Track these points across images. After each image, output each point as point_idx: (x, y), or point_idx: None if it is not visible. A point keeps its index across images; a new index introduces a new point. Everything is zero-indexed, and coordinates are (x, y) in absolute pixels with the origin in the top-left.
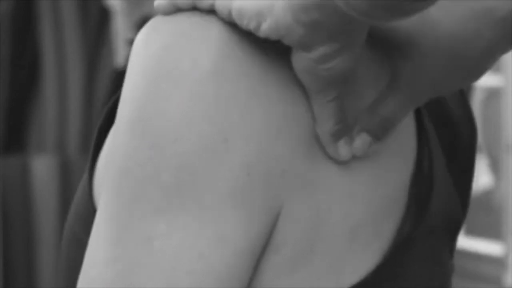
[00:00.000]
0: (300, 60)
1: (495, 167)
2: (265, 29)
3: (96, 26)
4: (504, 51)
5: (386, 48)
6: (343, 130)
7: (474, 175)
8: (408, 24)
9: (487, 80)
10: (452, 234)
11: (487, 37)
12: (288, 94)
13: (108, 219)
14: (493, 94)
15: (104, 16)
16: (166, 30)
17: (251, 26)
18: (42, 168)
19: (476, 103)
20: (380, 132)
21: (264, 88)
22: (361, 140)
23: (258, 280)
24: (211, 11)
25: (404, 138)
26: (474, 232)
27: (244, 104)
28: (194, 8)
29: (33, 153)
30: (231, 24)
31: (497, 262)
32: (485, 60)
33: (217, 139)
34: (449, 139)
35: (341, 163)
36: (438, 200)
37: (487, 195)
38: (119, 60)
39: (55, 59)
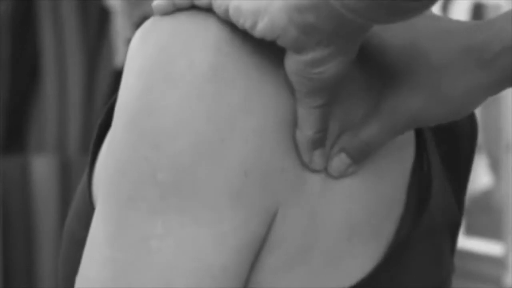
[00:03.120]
0: (292, 62)
1: (495, 167)
2: (260, 28)
3: (96, 26)
4: (491, 92)
5: (374, 73)
6: (322, 141)
7: (470, 176)
8: (397, 52)
9: None
10: (451, 234)
11: (474, 76)
12: (283, 94)
13: (105, 219)
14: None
15: (104, 16)
16: (163, 30)
17: (247, 25)
18: (42, 168)
19: None
20: (358, 156)
21: (261, 87)
22: (339, 161)
23: (255, 279)
24: (209, 9)
25: (403, 139)
26: (474, 232)
27: (241, 104)
28: (192, 7)
29: (33, 153)
30: (229, 24)
31: (497, 262)
32: (470, 99)
33: (214, 139)
34: (449, 140)
35: (313, 171)
36: (436, 200)
37: (487, 195)
38: (119, 60)
39: (55, 59)
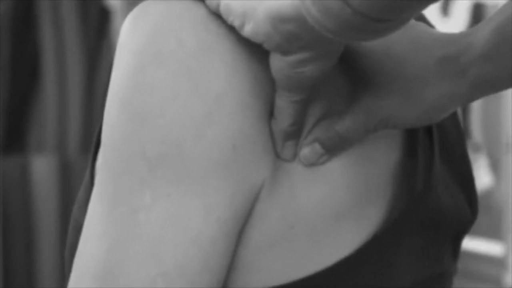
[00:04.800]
0: (276, 60)
1: (495, 167)
2: (247, 31)
3: (96, 26)
4: (464, 100)
5: (352, 74)
6: (296, 133)
7: (474, 180)
8: (375, 58)
9: None
10: (456, 235)
11: (448, 84)
12: (269, 72)
13: (99, 195)
14: (493, 94)
15: (104, 16)
16: (154, 11)
17: (235, 24)
18: (42, 168)
19: (476, 103)
20: (332, 146)
21: (248, 64)
22: (311, 149)
23: (239, 255)
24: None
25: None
26: (474, 232)
27: (228, 80)
28: None
29: (33, 153)
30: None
31: (497, 262)
32: (443, 106)
33: (201, 113)
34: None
35: (285, 160)
36: (436, 199)
37: (487, 195)
38: None
39: (55, 59)
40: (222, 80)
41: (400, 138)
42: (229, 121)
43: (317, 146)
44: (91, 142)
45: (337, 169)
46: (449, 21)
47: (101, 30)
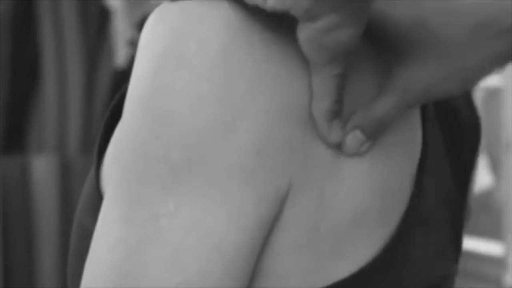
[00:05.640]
0: (306, 31)
1: (495, 167)
2: (271, 2)
3: (96, 26)
4: (504, 62)
5: (383, 50)
6: (338, 113)
7: (474, 176)
8: (406, 26)
9: (487, 80)
10: (456, 233)
11: (486, 48)
12: (294, 72)
13: (116, 200)
14: (493, 94)
15: (104, 16)
16: (174, 13)
17: (258, 0)
18: (42, 168)
19: (476, 103)
20: (373, 132)
21: (272, 66)
22: (354, 137)
23: (263, 260)
24: None
25: (410, 129)
26: (474, 232)
27: (252, 84)
28: None
29: (33, 153)
30: (239, 3)
31: (497, 262)
32: (482, 70)
33: (225, 118)
34: (452, 138)
35: (330, 145)
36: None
37: (487, 195)
38: (119, 60)
39: (55, 59)
40: (245, 84)
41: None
42: (253, 126)
43: (358, 133)
44: (91, 142)
45: (363, 170)
46: None
47: (101, 30)
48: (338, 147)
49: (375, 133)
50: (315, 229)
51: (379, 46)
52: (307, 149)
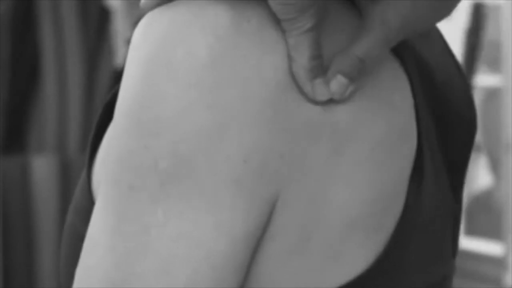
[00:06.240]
0: None
1: (495, 167)
2: None
3: (96, 26)
4: None
5: None
6: (320, 68)
7: (466, 174)
8: None
9: (487, 80)
10: (452, 232)
11: None
12: (283, 77)
13: (106, 208)
14: (493, 94)
15: (104, 16)
16: (163, 20)
17: None
18: (42, 168)
19: (476, 103)
20: (355, 73)
21: (259, 72)
22: (337, 83)
23: (255, 269)
24: None
25: (406, 132)
26: (474, 232)
27: (239, 91)
28: None
29: (33, 153)
30: (228, 10)
31: (497, 262)
32: None
33: (212, 127)
34: (444, 130)
35: (319, 103)
36: (432, 193)
37: (487, 195)
38: (119, 60)
39: (55, 59)
40: (233, 92)
41: (415, 141)
42: (240, 135)
43: (340, 77)
44: (89, 140)
45: (354, 176)
46: (449, 21)
47: (101, 30)
48: (326, 103)
49: (357, 75)
50: (306, 236)
51: None
52: (296, 155)
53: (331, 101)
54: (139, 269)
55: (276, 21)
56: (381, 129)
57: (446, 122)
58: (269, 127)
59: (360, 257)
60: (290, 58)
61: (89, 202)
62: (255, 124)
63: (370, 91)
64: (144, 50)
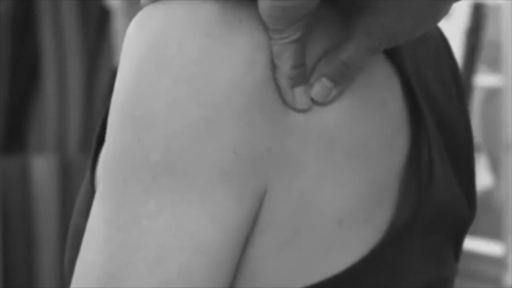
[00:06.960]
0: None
1: (495, 167)
2: None
3: (96, 26)
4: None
5: (343, 4)
6: (302, 77)
7: (475, 179)
8: None
9: (487, 80)
10: (457, 234)
11: None
12: (270, 74)
13: (102, 203)
14: (493, 94)
15: (104, 16)
16: (157, 16)
17: None
18: (42, 168)
19: (476, 103)
20: (339, 77)
21: (248, 68)
22: (320, 85)
23: (246, 262)
24: None
25: (395, 129)
26: (474, 232)
27: (229, 85)
28: None
29: (33, 153)
30: (220, 8)
31: (497, 262)
32: (440, 4)
33: (203, 120)
34: (446, 142)
35: (299, 111)
36: (439, 195)
37: (487, 195)
38: (119, 60)
39: (55, 59)
40: (222, 86)
41: (406, 137)
42: (229, 128)
43: (324, 80)
44: (91, 142)
45: (347, 168)
46: (449, 21)
47: (101, 30)
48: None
49: (341, 78)
50: (297, 230)
51: (340, 2)
52: (284, 148)
53: (317, 105)
54: (133, 259)
55: None
56: (373, 125)
57: (447, 134)
58: (257, 121)
59: (352, 251)
60: (273, 65)
61: (91, 201)
62: (242, 117)
63: (361, 90)
64: (138, 45)
